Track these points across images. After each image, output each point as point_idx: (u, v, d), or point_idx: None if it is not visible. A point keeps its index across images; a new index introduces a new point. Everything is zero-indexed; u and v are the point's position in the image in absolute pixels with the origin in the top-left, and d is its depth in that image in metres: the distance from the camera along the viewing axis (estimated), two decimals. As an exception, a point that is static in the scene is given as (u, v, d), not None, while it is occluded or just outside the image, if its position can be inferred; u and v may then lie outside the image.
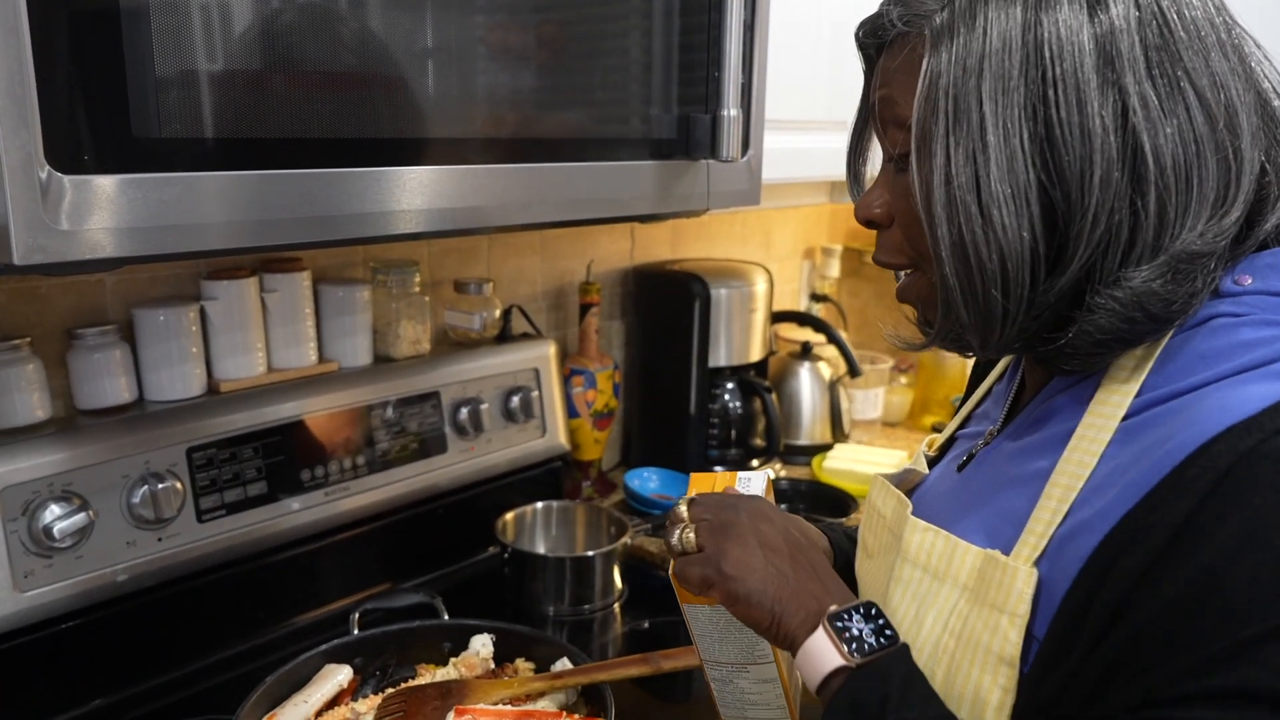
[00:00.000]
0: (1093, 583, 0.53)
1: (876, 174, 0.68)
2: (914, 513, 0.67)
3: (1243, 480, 0.49)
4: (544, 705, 0.92)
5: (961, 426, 0.79)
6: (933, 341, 0.64)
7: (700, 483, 0.79)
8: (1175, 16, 0.56)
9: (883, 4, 0.64)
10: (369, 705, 0.93)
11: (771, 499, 0.78)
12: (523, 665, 1.01)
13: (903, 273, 0.68)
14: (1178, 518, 0.50)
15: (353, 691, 0.98)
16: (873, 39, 0.65)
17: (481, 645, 1.02)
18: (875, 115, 0.65)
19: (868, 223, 0.67)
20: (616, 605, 1.34)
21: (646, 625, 1.30)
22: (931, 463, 0.78)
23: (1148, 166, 0.54)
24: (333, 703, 0.95)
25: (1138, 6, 0.55)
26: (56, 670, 1.01)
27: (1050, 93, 0.55)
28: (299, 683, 0.95)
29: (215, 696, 1.09)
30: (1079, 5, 0.55)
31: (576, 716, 0.90)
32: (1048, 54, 0.55)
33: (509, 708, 0.90)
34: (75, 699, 1.03)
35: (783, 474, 1.71)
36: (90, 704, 1.04)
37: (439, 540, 1.37)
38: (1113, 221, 0.55)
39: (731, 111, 1.05)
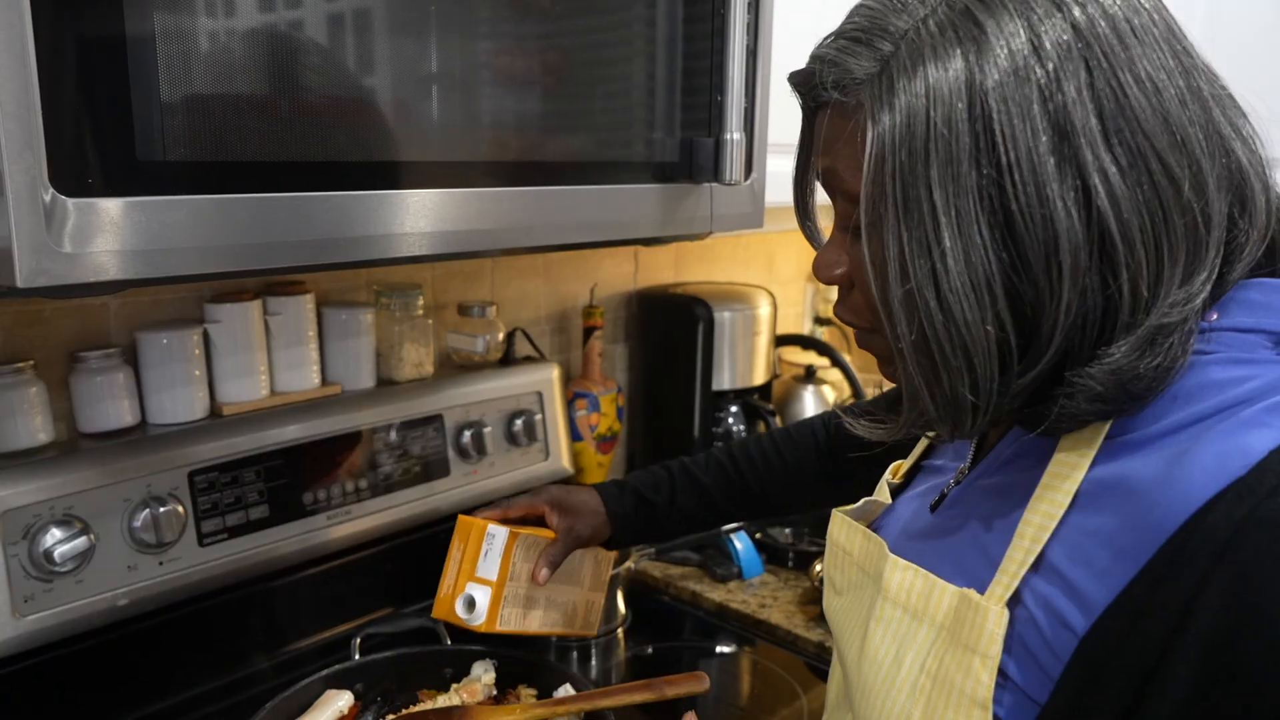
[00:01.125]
0: (1093, 666, 0.52)
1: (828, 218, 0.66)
2: (891, 550, 0.66)
3: (1244, 553, 0.47)
4: (546, 732, 0.91)
5: (925, 455, 0.77)
6: (899, 432, 0.61)
7: (463, 527, 0.94)
8: (1129, 77, 0.51)
9: (812, 60, 0.60)
10: (370, 732, 0.92)
11: (510, 556, 0.90)
12: (525, 692, 1.00)
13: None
14: (1181, 597, 0.48)
15: (353, 717, 0.97)
16: (809, 98, 0.61)
17: (484, 671, 1.01)
18: (822, 181, 0.62)
19: (827, 284, 0.64)
20: (620, 630, 1.33)
21: (650, 651, 1.29)
22: (895, 490, 0.77)
23: (1116, 247, 0.51)
24: (333, 729, 0.94)
25: (1088, 70, 0.51)
26: (57, 696, 1.00)
27: (1005, 180, 0.51)
28: (300, 708, 0.94)
29: (216, 723, 1.08)
30: (1025, 75, 0.51)
31: (579, 744, 0.89)
32: (998, 134, 0.51)
33: (511, 734, 0.89)
34: (74, 725, 1.02)
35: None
36: (89, 730, 1.03)
37: (441, 564, 1.35)
38: (1085, 306, 0.52)
39: (735, 135, 1.05)
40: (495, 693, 1.00)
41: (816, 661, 1.25)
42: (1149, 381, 0.53)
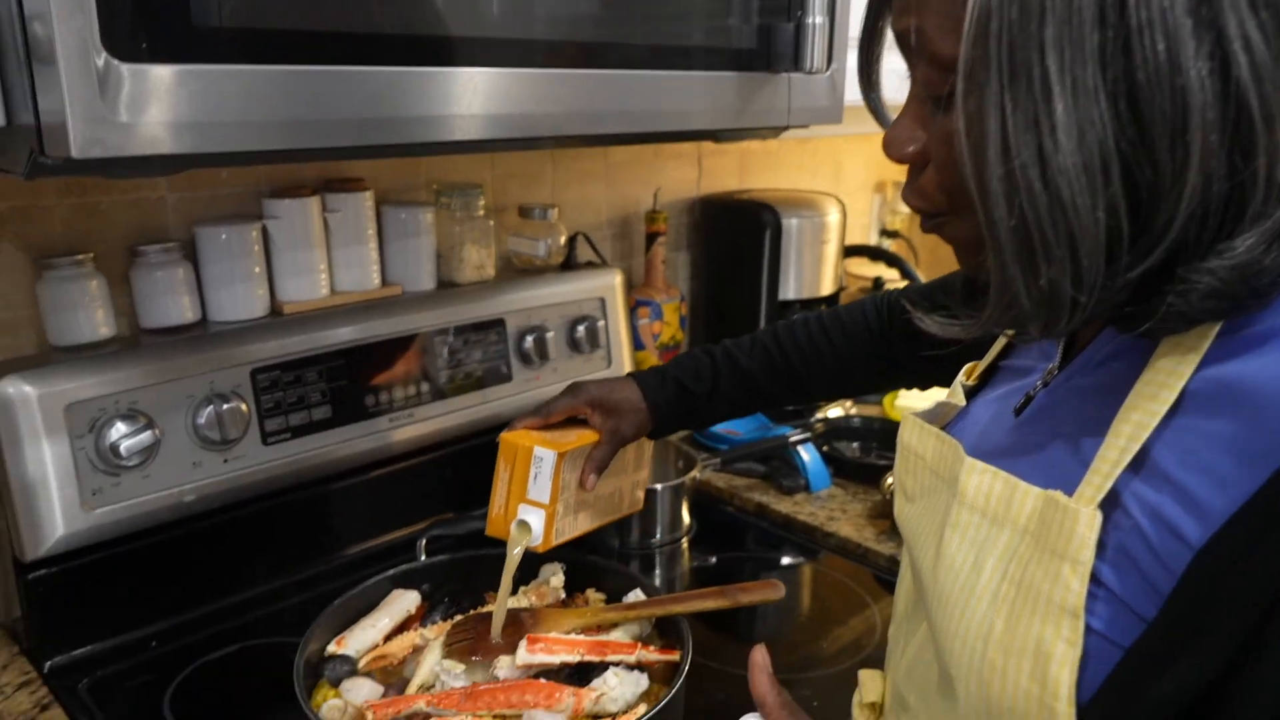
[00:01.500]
0: (1213, 579, 0.47)
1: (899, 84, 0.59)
2: (968, 454, 0.61)
3: None
4: (617, 636, 0.89)
5: (1003, 355, 0.72)
6: (980, 329, 0.54)
7: (508, 448, 0.89)
8: None
9: None
10: (437, 631, 0.90)
11: (559, 476, 0.87)
12: (594, 596, 0.98)
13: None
14: None
15: (420, 617, 0.96)
16: None
17: (552, 574, 0.99)
18: (905, 45, 0.54)
19: (899, 161, 0.57)
20: (684, 540, 1.30)
21: (714, 561, 1.27)
22: (970, 392, 0.71)
23: (1254, 128, 0.44)
24: (401, 627, 0.93)
25: None
26: (124, 589, 1.01)
27: (1134, 43, 0.44)
28: (366, 607, 0.93)
29: (283, 619, 1.08)
30: None
31: (651, 648, 0.87)
32: None
33: (581, 637, 0.87)
34: (142, 619, 1.03)
35: (854, 411, 1.65)
36: (157, 624, 1.03)
37: (503, 471, 1.34)
38: (1210, 194, 0.46)
39: (817, 19, 0.99)
40: (564, 595, 0.98)
41: (887, 575, 1.22)
42: (1275, 275, 0.47)
